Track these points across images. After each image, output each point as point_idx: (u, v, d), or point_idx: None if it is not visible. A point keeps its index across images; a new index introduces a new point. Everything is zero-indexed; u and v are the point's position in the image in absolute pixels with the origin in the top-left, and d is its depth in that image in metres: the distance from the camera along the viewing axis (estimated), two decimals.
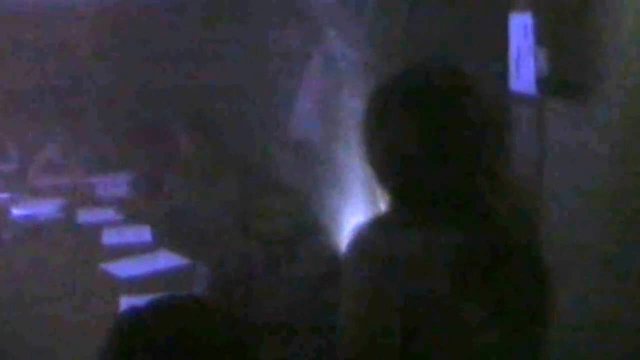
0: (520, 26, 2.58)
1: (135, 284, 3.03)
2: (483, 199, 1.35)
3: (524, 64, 2.53)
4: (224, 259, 2.67)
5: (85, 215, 4.10)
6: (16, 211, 4.25)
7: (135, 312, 1.19)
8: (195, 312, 1.18)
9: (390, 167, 1.39)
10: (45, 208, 4.28)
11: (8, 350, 2.48)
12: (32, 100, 5.18)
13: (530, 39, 2.52)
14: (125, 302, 2.78)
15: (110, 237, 3.68)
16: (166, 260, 3.29)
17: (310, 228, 2.80)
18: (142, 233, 3.68)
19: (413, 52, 3.06)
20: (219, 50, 4.53)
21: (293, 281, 2.41)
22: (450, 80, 1.40)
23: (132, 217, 3.93)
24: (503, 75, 2.63)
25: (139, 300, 2.69)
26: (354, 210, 3.16)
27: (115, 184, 4.58)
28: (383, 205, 1.43)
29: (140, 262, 3.28)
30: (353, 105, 3.55)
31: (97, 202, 4.38)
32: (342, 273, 1.42)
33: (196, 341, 1.11)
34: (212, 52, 4.56)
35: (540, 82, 2.42)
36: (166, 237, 3.53)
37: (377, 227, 1.40)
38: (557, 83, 2.39)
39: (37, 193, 4.62)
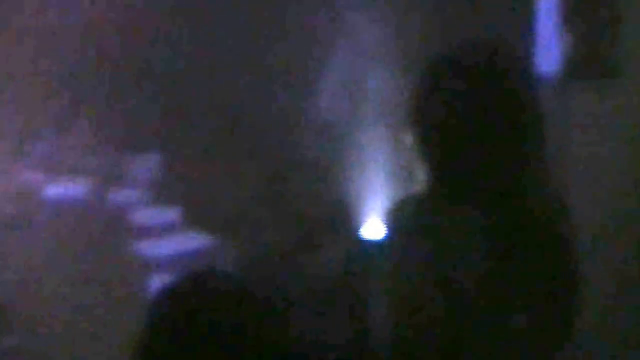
0: (546, 6, 2.57)
1: (164, 264, 3.08)
2: (520, 184, 1.35)
3: (549, 44, 2.52)
4: (252, 240, 2.70)
5: (116, 196, 4.16)
6: (49, 191, 4.35)
7: (171, 289, 1.19)
8: (229, 289, 1.19)
9: (432, 144, 1.39)
10: (77, 188, 4.37)
11: (41, 329, 2.55)
12: (64, 82, 5.26)
13: (556, 19, 2.51)
14: (155, 281, 2.84)
15: (140, 217, 3.74)
16: (195, 240, 3.34)
17: (340, 211, 2.82)
18: (172, 213, 3.73)
19: (439, 32, 3.06)
20: (244, 32, 4.55)
21: (321, 264, 2.42)
22: (500, 60, 1.40)
23: (162, 197, 3.98)
24: (529, 55, 2.62)
25: (168, 279, 2.77)
26: (382, 192, 3.18)
27: (145, 164, 4.64)
28: (419, 184, 1.43)
29: (169, 242, 3.34)
30: (379, 86, 3.56)
31: (128, 183, 4.44)
32: (376, 254, 1.43)
33: (228, 317, 1.13)
34: (242, 38, 4.57)
35: (566, 62, 2.41)
36: (195, 218, 3.58)
37: (413, 204, 1.40)
38: (583, 63, 2.38)
39: (69, 173, 4.70)
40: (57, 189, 4.37)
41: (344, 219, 2.80)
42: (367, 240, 2.64)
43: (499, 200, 1.33)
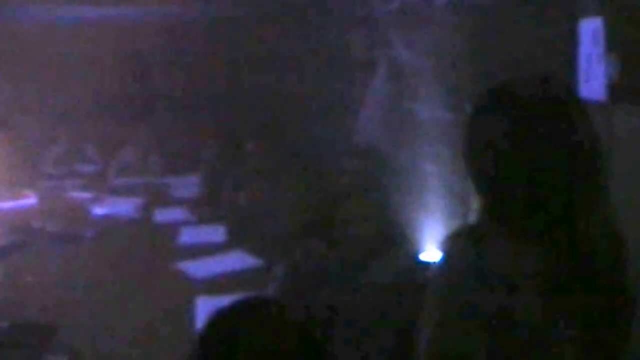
0: (590, 32, 2.57)
1: (209, 284, 3.11)
2: (575, 215, 1.33)
3: (593, 70, 2.52)
4: (300, 262, 2.69)
5: (162, 215, 4.25)
6: (97, 210, 4.45)
7: (222, 315, 1.22)
8: (275, 315, 1.21)
9: (487, 176, 1.39)
10: (124, 207, 4.46)
11: (88, 349, 2.59)
12: (111, 106, 5.39)
13: (601, 45, 2.51)
14: (201, 301, 2.87)
15: (186, 237, 3.80)
16: (240, 260, 3.37)
17: (389, 236, 2.81)
18: (217, 233, 3.78)
19: (481, 59, 3.07)
20: (288, 58, 4.62)
21: (369, 288, 2.40)
22: (555, 93, 1.40)
23: (207, 217, 4.04)
24: (573, 82, 2.61)
25: (213, 299, 2.81)
26: (423, 218, 3.19)
27: (189, 185, 4.72)
28: (474, 214, 1.43)
29: (214, 262, 3.36)
30: (418, 112, 3.58)
31: (173, 202, 4.52)
32: (430, 283, 1.41)
33: (274, 343, 1.15)
34: (282, 59, 4.65)
35: (610, 88, 2.40)
36: (240, 238, 3.62)
37: (466, 238, 1.39)
38: (628, 89, 2.37)
39: (116, 193, 4.81)
40: (104, 208, 4.47)
41: (394, 244, 2.78)
42: (419, 267, 2.62)
43: (553, 231, 1.33)
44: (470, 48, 3.20)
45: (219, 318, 1.21)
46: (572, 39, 2.65)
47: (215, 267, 3.29)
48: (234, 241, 3.62)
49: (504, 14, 3.02)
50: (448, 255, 1.39)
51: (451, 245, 1.38)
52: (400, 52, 3.80)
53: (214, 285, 3.09)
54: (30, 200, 4.71)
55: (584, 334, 1.30)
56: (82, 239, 3.89)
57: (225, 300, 2.74)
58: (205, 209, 4.16)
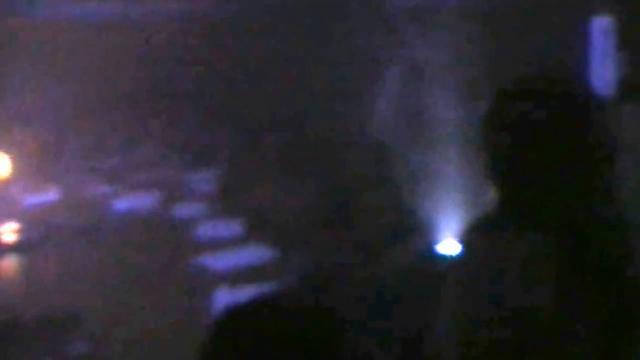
0: (602, 30, 2.60)
1: (228, 276, 3.17)
2: (592, 207, 1.34)
3: (604, 67, 2.56)
4: (317, 252, 2.71)
5: (181, 209, 4.32)
6: (117, 204, 4.53)
7: (235, 310, 1.24)
8: (289, 310, 1.23)
9: (503, 169, 1.42)
10: (144, 202, 4.54)
11: (109, 338, 2.65)
12: (131, 102, 5.47)
13: (612, 44, 2.55)
14: (220, 293, 2.94)
15: (204, 231, 3.86)
16: (257, 253, 3.43)
17: (405, 226, 2.83)
18: (234, 227, 3.83)
19: (494, 57, 3.11)
20: (306, 55, 4.65)
21: (385, 277, 2.42)
22: (571, 88, 1.42)
23: (225, 211, 4.09)
24: (584, 78, 2.64)
25: (231, 291, 2.87)
26: (439, 210, 3.22)
27: (208, 180, 4.78)
28: (490, 206, 1.45)
29: (232, 254, 3.43)
30: (434, 107, 3.61)
31: (192, 197, 4.59)
32: (448, 275, 1.44)
33: (291, 338, 1.16)
34: (301, 56, 4.68)
35: (620, 85, 2.44)
36: (257, 231, 3.67)
37: (483, 230, 1.39)
38: (637, 87, 2.41)
39: (136, 187, 4.89)
40: (125, 202, 4.55)
41: (410, 235, 2.81)
42: (435, 258, 2.65)
43: (567, 223, 1.35)
44: (483, 46, 3.23)
45: (233, 315, 1.24)
46: (584, 37, 2.68)
47: (233, 259, 3.35)
48: (252, 234, 3.67)
49: (518, 12, 3.06)
50: (467, 247, 1.42)
51: (469, 237, 1.41)
52: (416, 50, 3.83)
53: (231, 277, 3.14)
54: (53, 195, 4.80)
55: (600, 325, 1.31)
56: (103, 232, 3.96)
57: (242, 291, 2.82)
58: (224, 203, 4.21)
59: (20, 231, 3.93)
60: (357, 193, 3.05)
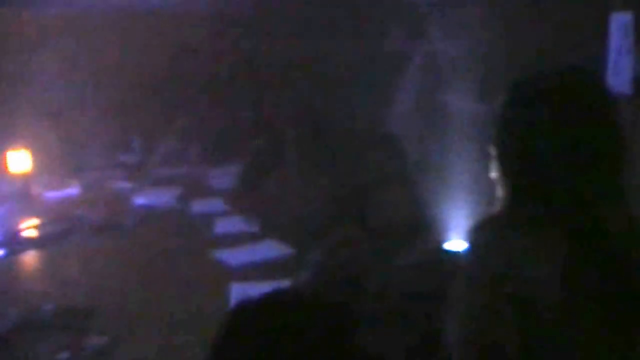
0: (621, 26, 2.57)
1: (244, 272, 3.19)
2: (601, 206, 1.35)
3: (622, 63, 2.53)
4: (333, 248, 2.71)
5: (199, 205, 4.34)
6: (137, 200, 4.57)
7: (248, 305, 1.23)
8: (302, 306, 1.22)
9: (514, 165, 1.42)
10: (163, 197, 4.57)
11: (124, 330, 2.67)
12: (154, 97, 5.50)
13: (630, 39, 2.52)
14: (235, 288, 2.95)
15: (221, 226, 3.88)
16: (273, 249, 3.45)
17: (417, 223, 2.82)
18: (251, 222, 3.85)
19: (514, 51, 3.09)
20: (328, 50, 4.64)
21: (401, 272, 2.42)
22: (584, 84, 1.42)
23: (241, 207, 4.11)
24: (601, 74, 2.61)
25: (248, 286, 2.88)
26: (449, 208, 3.21)
27: (226, 175, 4.80)
28: (500, 204, 1.44)
29: (249, 250, 3.44)
30: (451, 102, 3.60)
31: (210, 192, 4.61)
32: (457, 273, 1.42)
33: (301, 334, 1.15)
34: (323, 50, 4.67)
35: (638, 82, 2.41)
36: (273, 227, 3.68)
37: (492, 228, 1.41)
38: None
39: (156, 183, 4.92)
40: (145, 197, 4.59)
41: (421, 233, 2.80)
42: (445, 256, 2.64)
43: (578, 220, 1.34)
44: (503, 40, 3.21)
45: (245, 309, 1.22)
46: (602, 32, 2.65)
47: (249, 255, 3.37)
48: (268, 230, 3.67)
49: (537, 6, 3.03)
50: (474, 245, 1.41)
51: (477, 235, 1.41)
52: (436, 42, 3.81)
53: (248, 272, 3.16)
54: (74, 190, 4.85)
55: (608, 322, 1.31)
56: (122, 228, 3.99)
57: (257, 287, 2.83)
58: (241, 198, 4.22)
59: (40, 226, 3.98)
60: (373, 188, 3.04)
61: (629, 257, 1.35)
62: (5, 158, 4.75)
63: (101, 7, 5.26)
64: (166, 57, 5.58)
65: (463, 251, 1.46)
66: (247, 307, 1.23)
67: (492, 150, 1.47)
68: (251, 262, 3.29)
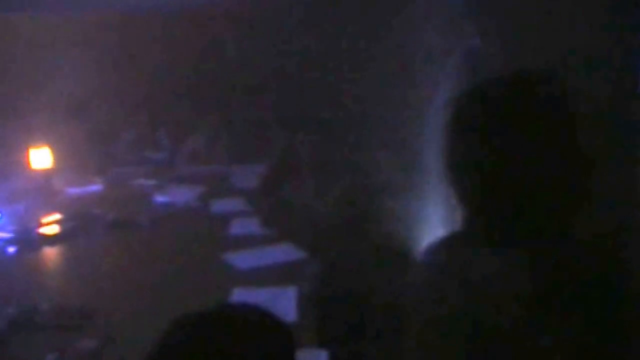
0: None
1: (252, 275, 3.07)
2: (565, 223, 1.23)
3: None
4: (334, 257, 2.67)
5: (218, 205, 4.26)
6: (158, 197, 4.51)
7: (183, 322, 1.19)
8: (238, 327, 1.17)
9: (469, 181, 1.30)
10: (185, 195, 4.50)
11: (120, 332, 2.60)
12: (182, 94, 5.46)
13: None
14: (238, 293, 2.84)
15: (236, 228, 3.79)
16: (286, 253, 3.32)
17: (422, 235, 2.74)
18: (267, 225, 3.74)
19: (550, 48, 2.93)
20: (354, 54, 4.51)
21: (401, 286, 2.35)
22: (541, 91, 1.28)
23: (260, 208, 4.01)
24: (635, 75, 2.44)
25: (251, 291, 2.77)
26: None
27: (250, 174, 4.71)
28: (458, 222, 1.35)
29: (260, 253, 3.33)
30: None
31: (232, 192, 4.51)
32: (413, 292, 1.36)
33: (231, 356, 1.11)
34: (348, 55, 4.54)
35: None
36: (290, 230, 3.57)
37: (451, 245, 1.31)
38: None
39: (180, 181, 4.85)
40: (165, 196, 4.52)
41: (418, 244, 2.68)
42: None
43: (540, 239, 1.22)
44: (539, 37, 3.05)
45: (180, 327, 1.18)
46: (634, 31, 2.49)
47: (260, 259, 3.26)
48: (284, 233, 3.57)
49: (574, 5, 2.87)
50: (430, 264, 1.31)
51: (433, 254, 1.30)
52: (474, 40, 3.66)
53: (254, 276, 3.05)
54: (96, 187, 4.82)
55: (572, 344, 1.20)
56: (137, 226, 3.93)
57: (260, 292, 2.72)
58: (260, 200, 4.13)
59: (55, 223, 3.93)
60: (375, 197, 2.93)
61: (593, 273, 1.24)
62: (27, 155, 4.74)
63: (126, 6, 5.23)
64: (195, 55, 5.53)
65: (415, 272, 1.35)
66: (181, 325, 1.18)
67: (445, 171, 1.32)
68: (260, 266, 3.18)
